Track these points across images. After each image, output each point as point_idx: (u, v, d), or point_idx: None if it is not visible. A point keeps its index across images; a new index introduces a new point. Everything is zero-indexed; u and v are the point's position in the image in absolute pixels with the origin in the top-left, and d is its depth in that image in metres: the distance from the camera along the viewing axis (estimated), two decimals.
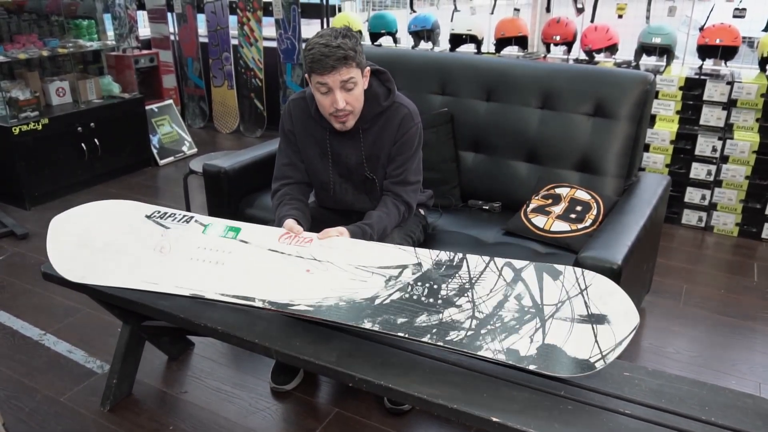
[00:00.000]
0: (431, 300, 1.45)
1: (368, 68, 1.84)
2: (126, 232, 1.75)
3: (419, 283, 1.50)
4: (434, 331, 1.38)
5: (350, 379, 1.38)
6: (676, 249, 3.16)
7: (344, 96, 1.75)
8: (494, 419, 1.23)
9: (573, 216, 2.16)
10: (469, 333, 1.36)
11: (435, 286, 1.48)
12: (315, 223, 1.89)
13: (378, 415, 1.98)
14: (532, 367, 1.28)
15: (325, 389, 2.12)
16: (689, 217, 3.38)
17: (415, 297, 1.46)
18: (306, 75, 1.80)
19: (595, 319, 1.34)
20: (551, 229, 2.14)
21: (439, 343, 1.35)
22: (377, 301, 1.47)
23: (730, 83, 3.14)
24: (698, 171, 3.28)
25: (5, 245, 3.18)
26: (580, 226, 2.13)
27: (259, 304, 1.51)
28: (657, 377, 1.36)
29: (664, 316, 2.55)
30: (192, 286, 1.58)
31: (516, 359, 1.30)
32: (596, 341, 1.30)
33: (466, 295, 1.45)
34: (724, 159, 3.19)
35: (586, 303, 1.37)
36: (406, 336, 1.38)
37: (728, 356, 2.30)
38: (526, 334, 1.34)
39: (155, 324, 2.00)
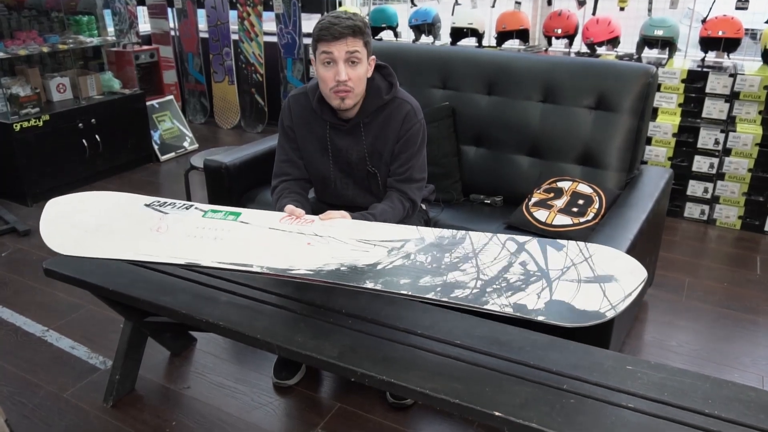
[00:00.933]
0: (434, 265, 1.44)
1: (373, 57, 1.84)
2: (123, 216, 1.74)
3: (422, 253, 1.49)
4: (438, 289, 1.37)
5: (352, 374, 1.38)
6: (679, 242, 3.15)
7: (347, 70, 1.75)
8: (497, 414, 1.22)
9: (575, 210, 2.15)
10: (474, 291, 1.35)
11: (438, 255, 1.47)
12: None
13: (380, 410, 1.98)
14: (540, 318, 1.26)
15: (327, 384, 2.12)
16: (692, 211, 3.37)
17: (418, 263, 1.46)
18: (311, 52, 1.81)
19: (602, 279, 1.33)
20: (553, 223, 2.13)
21: (443, 299, 1.34)
22: (379, 267, 1.46)
23: (733, 75, 3.12)
24: (701, 164, 3.26)
25: (7, 242, 3.19)
26: (582, 219, 2.12)
27: (257, 269, 1.49)
28: (660, 371, 1.35)
29: (667, 309, 2.55)
30: (187, 256, 1.56)
31: (524, 312, 1.29)
32: (605, 296, 1.29)
33: (469, 261, 1.44)
34: (727, 152, 3.18)
35: (591, 267, 1.36)
36: (410, 294, 1.36)
37: (731, 349, 2.30)
38: (533, 292, 1.33)
39: (157, 320, 2.00)
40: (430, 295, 1.35)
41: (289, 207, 1.74)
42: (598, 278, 1.33)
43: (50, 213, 1.74)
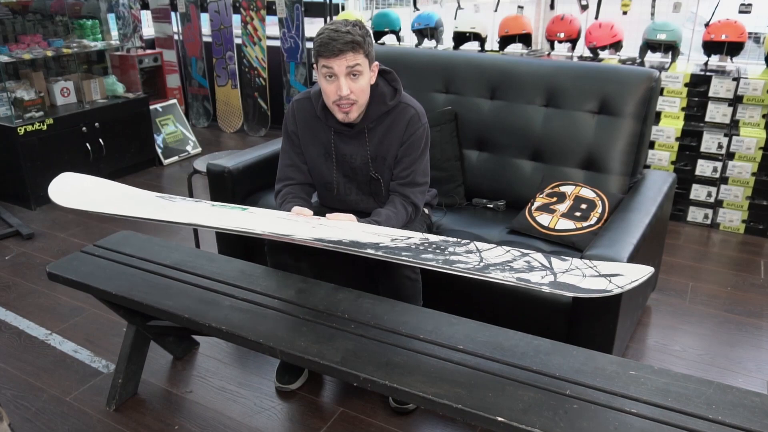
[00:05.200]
0: (438, 251, 1.46)
1: (377, 63, 1.84)
2: (132, 198, 1.77)
3: (425, 246, 1.50)
4: (440, 260, 1.38)
5: (355, 378, 1.38)
6: (682, 246, 3.14)
7: (349, 84, 1.75)
8: (499, 419, 1.22)
9: (578, 214, 2.15)
10: (477, 266, 1.37)
11: (442, 247, 1.49)
12: None
13: (383, 415, 1.97)
14: (545, 289, 1.28)
15: (329, 388, 2.12)
16: (695, 215, 3.36)
17: (421, 248, 1.48)
18: (314, 63, 1.81)
19: (608, 275, 1.35)
20: (556, 228, 2.13)
21: (444, 266, 1.34)
22: (382, 245, 1.49)
23: (736, 79, 3.12)
24: (704, 168, 3.26)
25: (11, 245, 3.20)
26: (585, 224, 2.12)
27: (259, 231, 1.51)
28: (663, 376, 1.35)
29: (670, 314, 2.54)
30: (190, 218, 1.59)
31: (527, 283, 1.30)
32: (611, 282, 1.31)
33: (473, 254, 1.46)
34: (730, 156, 3.17)
35: (596, 270, 1.38)
36: (410, 259, 1.37)
37: (735, 354, 2.29)
38: (537, 275, 1.35)
39: (160, 324, 2.01)
40: (431, 263, 1.36)
41: (297, 208, 1.75)
42: (603, 275, 1.34)
43: (61, 181, 1.78)
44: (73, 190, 1.76)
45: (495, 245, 1.51)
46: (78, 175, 1.85)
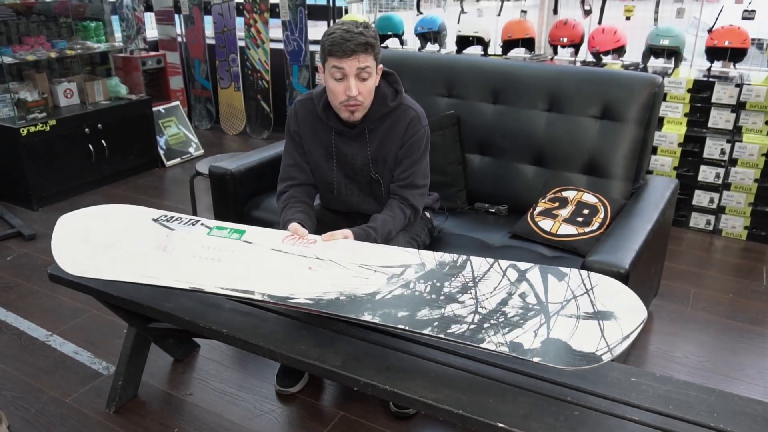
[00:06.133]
0: (433, 296, 1.45)
1: (381, 66, 1.84)
2: (131, 233, 1.76)
3: (422, 281, 1.50)
4: (435, 324, 1.37)
5: (355, 383, 1.37)
6: (684, 252, 3.13)
7: (357, 85, 1.75)
8: (500, 425, 1.22)
9: (580, 219, 2.15)
10: (472, 327, 1.35)
11: (438, 284, 1.48)
12: (320, 225, 1.89)
13: (383, 419, 1.97)
14: (536, 360, 1.26)
15: (330, 392, 2.11)
16: (697, 221, 3.35)
17: (417, 293, 1.46)
18: (320, 63, 1.81)
19: (602, 316, 1.32)
20: (558, 233, 2.13)
21: (440, 335, 1.34)
22: (378, 297, 1.46)
23: (739, 85, 3.12)
24: (706, 174, 3.25)
25: (12, 246, 3.20)
26: (587, 229, 2.11)
27: (259, 297, 1.50)
28: (665, 383, 1.35)
29: (672, 320, 2.53)
30: (192, 280, 1.58)
31: (520, 352, 1.28)
32: (603, 335, 1.28)
33: (469, 292, 1.44)
34: (733, 162, 3.17)
35: (591, 301, 1.36)
36: (407, 328, 1.37)
37: (737, 361, 2.28)
38: (530, 329, 1.32)
39: (161, 326, 2.00)
40: (426, 331, 1.35)
41: (293, 226, 1.74)
42: (597, 314, 1.33)
43: (61, 230, 1.77)
44: (74, 238, 1.74)
45: (491, 261, 1.50)
46: (76, 215, 1.81)
